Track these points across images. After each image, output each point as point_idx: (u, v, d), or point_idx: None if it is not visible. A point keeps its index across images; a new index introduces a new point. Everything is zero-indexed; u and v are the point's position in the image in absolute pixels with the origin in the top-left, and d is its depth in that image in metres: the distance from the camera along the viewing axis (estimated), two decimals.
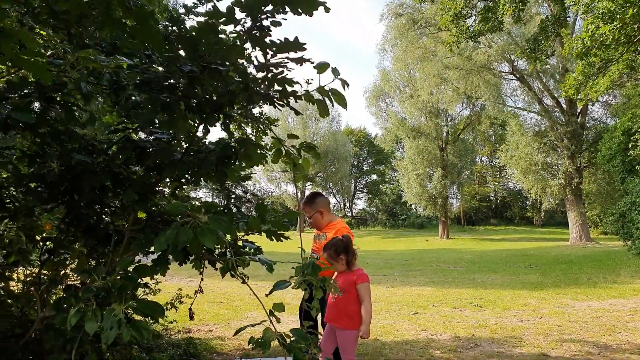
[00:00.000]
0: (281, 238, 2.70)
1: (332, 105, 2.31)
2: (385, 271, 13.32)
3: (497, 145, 37.18)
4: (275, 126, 5.88)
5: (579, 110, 25.26)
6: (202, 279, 3.17)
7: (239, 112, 5.40)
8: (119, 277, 1.94)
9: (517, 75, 26.55)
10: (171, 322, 5.80)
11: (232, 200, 3.29)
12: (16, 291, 3.14)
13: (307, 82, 2.36)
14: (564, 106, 25.26)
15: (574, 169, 24.19)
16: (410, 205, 38.30)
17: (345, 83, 2.20)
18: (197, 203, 2.69)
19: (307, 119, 45.28)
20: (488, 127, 36.61)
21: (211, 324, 6.45)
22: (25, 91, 2.17)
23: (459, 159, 34.16)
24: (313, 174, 45.54)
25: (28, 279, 3.10)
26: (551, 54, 14.13)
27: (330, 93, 2.25)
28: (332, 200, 60.86)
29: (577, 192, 24.43)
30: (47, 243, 2.69)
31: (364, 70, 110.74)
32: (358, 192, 61.14)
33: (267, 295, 2.33)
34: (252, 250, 2.64)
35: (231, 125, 5.95)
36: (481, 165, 51.71)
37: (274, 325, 2.12)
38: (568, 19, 15.89)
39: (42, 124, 2.18)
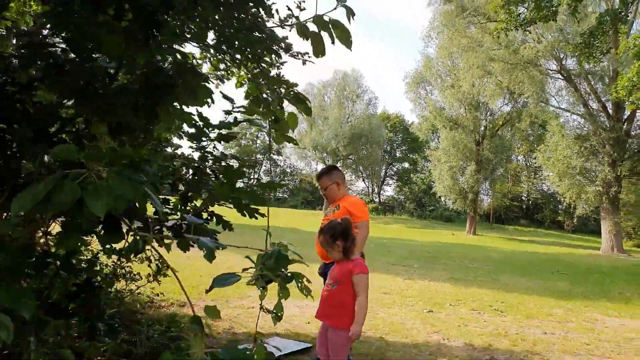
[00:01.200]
0: (255, 215, 2.22)
1: (333, 43, 1.78)
2: (406, 262, 12.98)
3: (535, 145, 35.89)
4: (294, 91, 5.50)
5: (625, 116, 24.08)
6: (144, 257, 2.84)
7: (254, 69, 4.97)
8: None
9: (564, 75, 25.41)
10: (157, 295, 5.60)
11: (207, 162, 2.85)
12: None
13: (300, 7, 1.81)
14: (610, 111, 24.12)
15: (613, 176, 23.12)
16: (440, 197, 37.57)
17: (351, 12, 1.63)
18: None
19: (344, 100, 44.75)
20: (528, 125, 35.33)
21: (208, 300, 6.21)
22: None
23: (494, 155, 33.14)
24: (344, 155, 45.10)
25: None
26: (607, 51, 13.26)
27: (330, 26, 1.64)
28: (361, 185, 60.50)
29: (614, 201, 23.40)
30: None
31: (408, 55, 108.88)
32: (388, 179, 60.43)
33: (207, 292, 1.83)
34: (201, 225, 2.03)
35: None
36: (516, 164, 50.20)
37: (201, 340, 1.59)
38: (629, 14, 14.84)
39: None
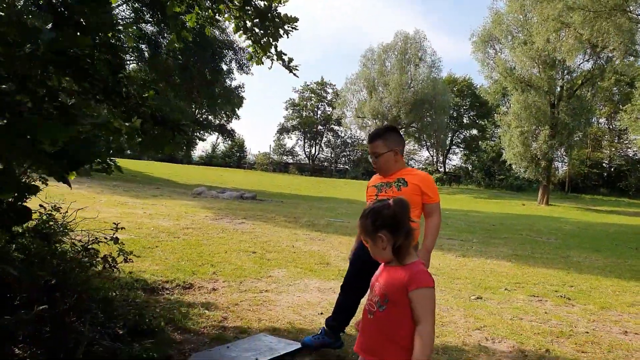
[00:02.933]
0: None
1: None
2: (464, 236, 11.63)
3: (620, 106, 32.38)
4: (296, 28, 4.36)
5: None
6: None
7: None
8: None
9: None
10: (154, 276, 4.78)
11: None
12: None
13: None
14: None
15: None
16: (510, 165, 35.01)
17: None
18: None
19: (405, 64, 42.59)
20: (612, 84, 31.91)
21: (220, 281, 5.38)
22: None
23: (571, 118, 30.09)
24: (406, 123, 43.18)
25: None
26: None
27: None
28: (425, 154, 58.33)
29: None
30: None
31: (474, 13, 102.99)
32: (454, 147, 57.74)
33: None
34: None
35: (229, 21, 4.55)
36: (597, 127, 45.85)
37: None
38: None
39: None
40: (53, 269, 3.29)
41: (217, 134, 63.83)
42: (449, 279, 6.53)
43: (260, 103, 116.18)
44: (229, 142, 63.97)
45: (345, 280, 3.53)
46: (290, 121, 64.24)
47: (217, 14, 3.99)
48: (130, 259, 4.00)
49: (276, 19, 3.60)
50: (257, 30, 3.76)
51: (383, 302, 1.97)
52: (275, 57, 4.10)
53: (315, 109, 63.85)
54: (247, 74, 37.60)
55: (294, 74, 4.30)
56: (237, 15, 3.78)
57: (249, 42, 4.01)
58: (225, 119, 60.75)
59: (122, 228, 4.00)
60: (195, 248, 7.10)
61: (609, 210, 28.34)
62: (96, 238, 3.95)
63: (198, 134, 61.59)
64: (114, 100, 2.56)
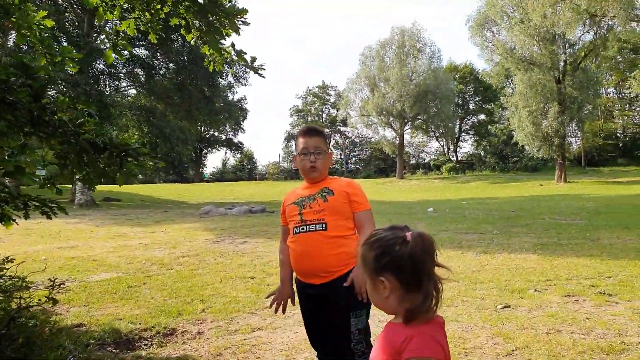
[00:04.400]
0: None
1: None
2: (482, 227, 11.09)
3: (628, 73, 31.56)
4: (246, 21, 3.70)
5: None
6: None
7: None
8: None
9: None
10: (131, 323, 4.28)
11: None
12: None
13: None
14: None
15: None
16: (522, 146, 34.32)
17: None
18: None
19: (404, 57, 42.10)
20: (616, 52, 31.09)
21: (208, 321, 4.54)
22: None
23: (579, 92, 29.47)
24: (412, 116, 42.65)
25: None
26: None
27: None
28: (435, 145, 57.72)
29: None
30: None
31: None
32: (463, 134, 57.02)
33: None
34: None
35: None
36: (606, 97, 44.92)
37: None
38: None
39: None
40: None
41: (225, 149, 63.86)
42: (470, 284, 5.89)
43: (264, 113, 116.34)
44: (238, 156, 63.96)
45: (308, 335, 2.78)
46: (297, 127, 64.18)
47: (154, 17, 3.43)
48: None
49: (220, 13, 3.06)
50: (203, 27, 3.25)
51: None
52: (235, 57, 3.60)
53: (320, 113, 63.69)
54: (244, 85, 37.27)
55: (259, 74, 3.73)
56: (180, 13, 3.25)
57: (206, 46, 3.53)
58: (231, 132, 60.77)
59: (62, 284, 3.47)
60: (187, 281, 6.30)
61: (629, 180, 27.56)
62: (28, 303, 3.35)
63: (206, 150, 61.67)
64: (44, 131, 2.23)
